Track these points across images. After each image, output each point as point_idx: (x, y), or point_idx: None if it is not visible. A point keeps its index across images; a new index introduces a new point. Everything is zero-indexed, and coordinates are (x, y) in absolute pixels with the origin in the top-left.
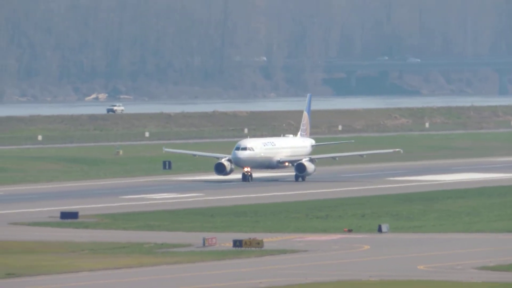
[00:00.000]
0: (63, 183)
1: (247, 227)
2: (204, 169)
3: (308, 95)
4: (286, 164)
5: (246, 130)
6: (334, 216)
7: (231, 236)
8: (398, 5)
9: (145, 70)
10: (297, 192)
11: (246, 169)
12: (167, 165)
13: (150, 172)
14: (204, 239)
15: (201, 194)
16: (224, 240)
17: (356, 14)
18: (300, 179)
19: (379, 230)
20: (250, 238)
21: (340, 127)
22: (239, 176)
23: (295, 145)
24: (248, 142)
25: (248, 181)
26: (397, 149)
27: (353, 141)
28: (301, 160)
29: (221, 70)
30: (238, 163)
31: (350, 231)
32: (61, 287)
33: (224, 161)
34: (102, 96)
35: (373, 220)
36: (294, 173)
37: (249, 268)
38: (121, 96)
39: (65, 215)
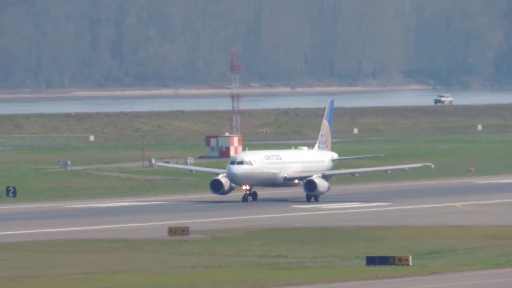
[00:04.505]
0: None
1: None
2: None
3: (330, 100)
4: (296, 181)
5: None
6: None
7: None
8: None
9: None
10: None
11: (244, 187)
12: None
13: None
14: None
15: None
16: None
17: None
18: (312, 199)
19: None
20: None
21: None
22: (241, 195)
23: (308, 159)
24: (246, 155)
25: (247, 201)
26: (427, 164)
27: (382, 155)
28: (311, 176)
29: None
30: (234, 180)
31: None
32: None
33: (221, 177)
34: None
35: None
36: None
37: None
38: None
39: None
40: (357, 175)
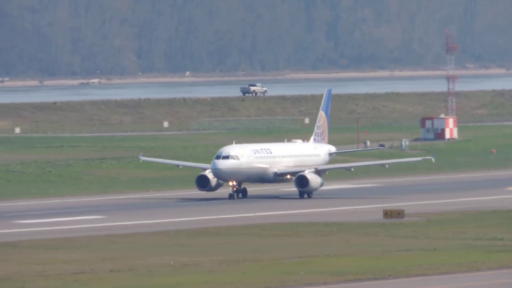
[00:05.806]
0: None
1: None
2: None
3: (327, 90)
4: (288, 177)
5: None
6: None
7: None
8: None
9: None
10: None
11: (230, 184)
12: None
13: None
14: None
15: None
16: None
17: None
18: (305, 195)
19: None
20: None
21: None
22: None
23: (301, 153)
24: (232, 149)
25: (234, 199)
26: (427, 157)
27: (383, 148)
28: (303, 171)
29: None
30: (219, 176)
31: None
32: None
33: (208, 173)
34: None
35: None
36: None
37: None
38: None
39: None
40: (352, 169)
